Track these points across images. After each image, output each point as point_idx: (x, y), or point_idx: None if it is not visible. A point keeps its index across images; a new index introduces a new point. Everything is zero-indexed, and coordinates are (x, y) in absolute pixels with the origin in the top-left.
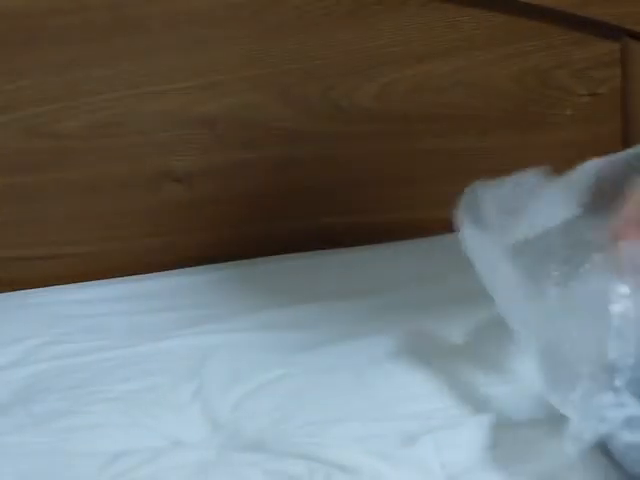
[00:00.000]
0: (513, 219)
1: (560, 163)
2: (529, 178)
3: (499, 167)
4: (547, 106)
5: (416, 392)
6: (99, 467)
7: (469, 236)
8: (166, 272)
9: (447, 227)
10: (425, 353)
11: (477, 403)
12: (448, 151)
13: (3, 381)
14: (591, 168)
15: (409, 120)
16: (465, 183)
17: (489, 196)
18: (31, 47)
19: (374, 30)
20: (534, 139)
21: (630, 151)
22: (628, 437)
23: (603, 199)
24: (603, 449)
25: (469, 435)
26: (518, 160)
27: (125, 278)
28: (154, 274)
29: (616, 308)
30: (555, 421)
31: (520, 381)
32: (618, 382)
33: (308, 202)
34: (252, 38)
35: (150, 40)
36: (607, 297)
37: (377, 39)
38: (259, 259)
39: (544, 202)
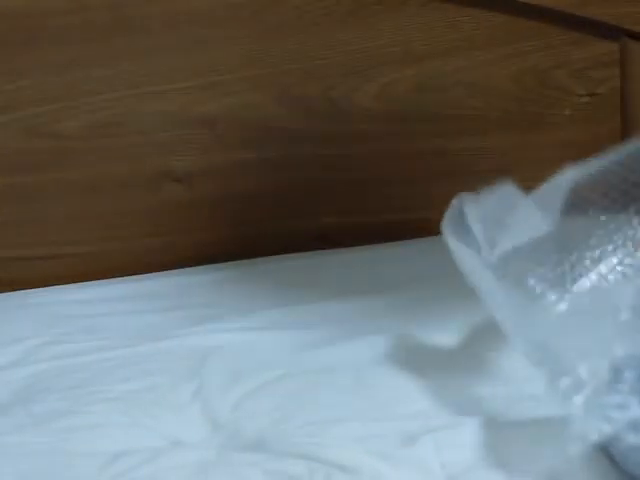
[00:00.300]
0: (495, 233)
1: (559, 163)
2: (509, 191)
3: (499, 167)
4: (546, 106)
5: (416, 392)
6: (99, 467)
7: (454, 248)
8: (166, 272)
9: None
10: (425, 353)
11: (477, 403)
12: (448, 151)
13: (3, 381)
14: (564, 180)
15: (409, 120)
16: (465, 183)
17: (472, 210)
18: (31, 47)
19: (374, 30)
20: (533, 139)
21: (606, 157)
22: (632, 439)
23: (582, 207)
24: (605, 450)
25: (469, 435)
26: (517, 160)
27: (125, 278)
28: (154, 274)
29: (626, 304)
30: (555, 421)
31: (520, 381)
32: (623, 384)
33: (308, 202)
34: (252, 38)
35: (150, 40)
36: (616, 295)
37: (377, 39)
38: (259, 259)
39: (521, 216)
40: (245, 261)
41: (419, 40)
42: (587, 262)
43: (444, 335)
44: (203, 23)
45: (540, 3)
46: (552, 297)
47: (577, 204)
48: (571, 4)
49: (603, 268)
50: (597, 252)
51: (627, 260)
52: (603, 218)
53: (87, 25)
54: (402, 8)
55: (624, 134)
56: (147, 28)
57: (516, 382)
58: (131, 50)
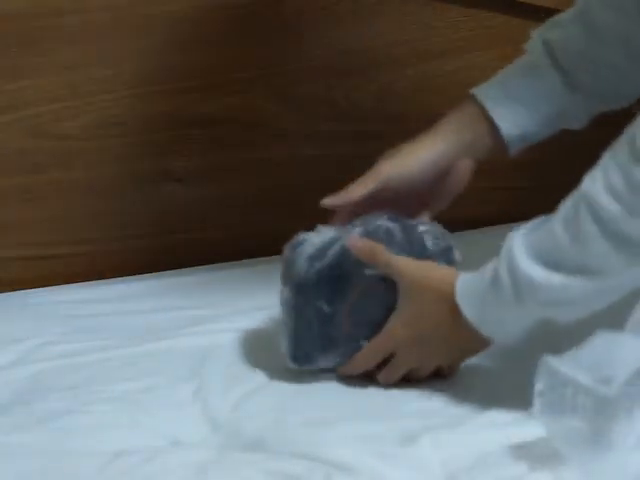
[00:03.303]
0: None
1: (560, 163)
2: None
3: (499, 167)
4: None
5: (416, 391)
6: (99, 467)
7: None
8: (166, 272)
9: (447, 227)
10: None
11: (476, 402)
12: None
13: (3, 381)
14: None
15: (409, 120)
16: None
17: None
18: (32, 47)
19: (374, 30)
20: None
21: None
22: None
23: None
24: None
25: (469, 434)
26: (517, 160)
27: (125, 278)
28: (154, 274)
29: None
30: (555, 422)
31: (521, 381)
32: None
33: (308, 202)
34: (252, 38)
35: (150, 40)
36: None
37: (377, 39)
38: (259, 259)
39: None
40: (245, 261)
41: (419, 40)
42: None
43: None
44: (203, 23)
45: (540, 3)
46: None
47: None
48: (571, 4)
49: None
50: None
51: None
52: None
53: (87, 25)
54: (402, 8)
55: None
56: (147, 28)
57: (517, 382)
58: (131, 50)
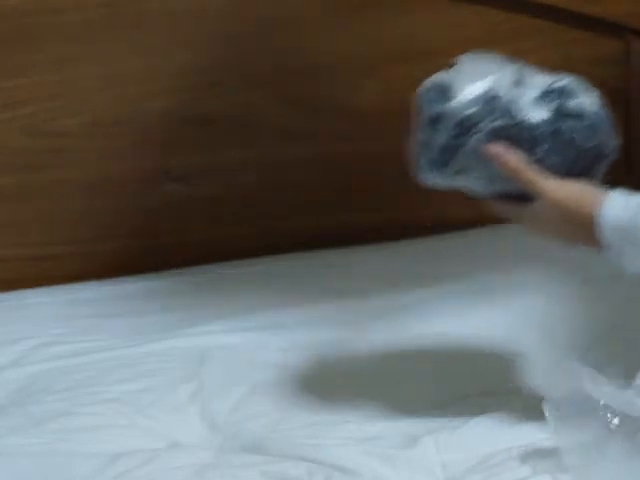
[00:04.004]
0: None
1: None
2: None
3: None
4: None
5: (417, 393)
6: (97, 468)
7: None
8: (166, 272)
9: (447, 227)
10: (426, 354)
11: (478, 404)
12: None
13: (1, 381)
14: None
15: (409, 119)
16: None
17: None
18: (30, 45)
19: (374, 29)
20: None
21: None
22: None
23: None
24: None
25: (470, 436)
26: None
27: (124, 278)
28: (154, 274)
29: None
30: (557, 423)
31: (522, 381)
32: None
33: (308, 202)
34: (252, 38)
35: (149, 38)
36: None
37: (377, 38)
38: (259, 259)
39: None
40: (244, 261)
41: (421, 38)
42: None
43: (444, 336)
44: (203, 21)
45: (543, 1)
46: None
47: None
48: (575, 2)
49: None
50: None
51: None
52: None
53: (86, 23)
54: (403, 6)
55: (628, 131)
56: (146, 26)
57: (518, 383)
58: (131, 49)
